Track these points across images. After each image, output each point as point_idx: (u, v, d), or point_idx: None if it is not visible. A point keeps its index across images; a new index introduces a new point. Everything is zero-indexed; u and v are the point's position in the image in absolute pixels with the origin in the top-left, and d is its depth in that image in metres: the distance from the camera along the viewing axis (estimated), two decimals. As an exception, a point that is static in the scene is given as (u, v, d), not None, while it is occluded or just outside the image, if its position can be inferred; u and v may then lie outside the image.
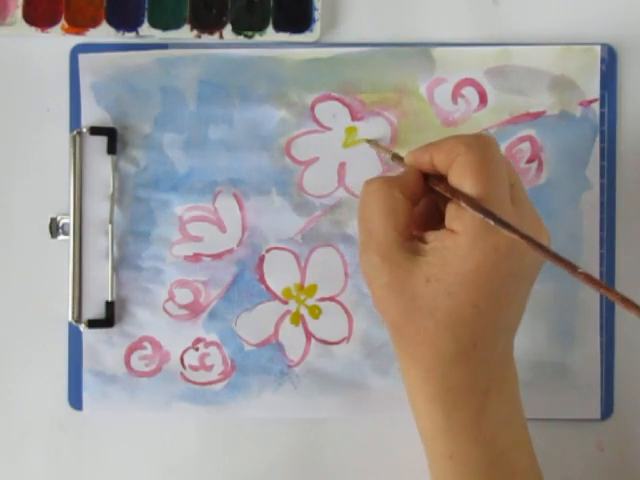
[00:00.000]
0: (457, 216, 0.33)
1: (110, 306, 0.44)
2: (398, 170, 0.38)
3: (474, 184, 0.33)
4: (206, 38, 0.44)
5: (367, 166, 0.44)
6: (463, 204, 0.33)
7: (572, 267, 0.29)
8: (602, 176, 0.44)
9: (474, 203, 0.32)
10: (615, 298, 0.28)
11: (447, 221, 0.34)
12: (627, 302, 0.28)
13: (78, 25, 0.44)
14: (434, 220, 0.36)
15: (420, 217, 0.37)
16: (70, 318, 0.44)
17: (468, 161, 0.33)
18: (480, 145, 0.34)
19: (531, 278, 0.35)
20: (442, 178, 0.35)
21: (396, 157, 0.38)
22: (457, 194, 0.33)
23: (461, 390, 0.34)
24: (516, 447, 0.36)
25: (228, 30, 0.44)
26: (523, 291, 0.35)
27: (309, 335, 0.44)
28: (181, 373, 0.44)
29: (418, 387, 0.35)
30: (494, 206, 0.32)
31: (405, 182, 0.35)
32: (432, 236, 0.34)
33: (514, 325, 0.36)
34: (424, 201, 0.37)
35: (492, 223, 0.32)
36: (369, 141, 0.44)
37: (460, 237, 0.33)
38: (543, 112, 0.44)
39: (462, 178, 0.33)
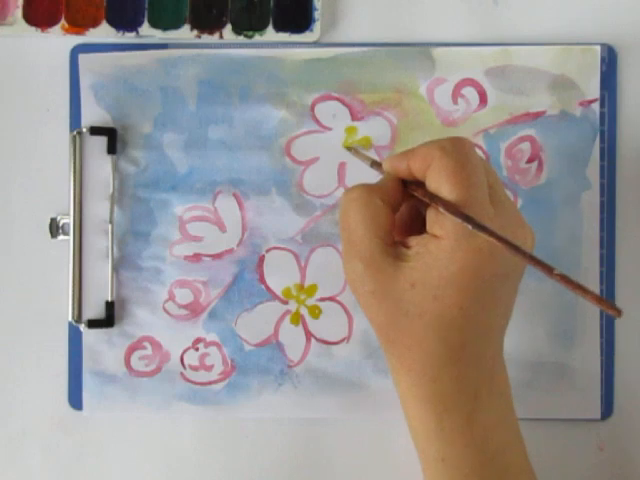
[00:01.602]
0: (437, 221, 0.33)
1: (110, 306, 0.44)
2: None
3: (451, 188, 0.33)
4: (206, 38, 0.44)
5: (367, 166, 0.44)
6: (442, 209, 0.33)
7: (548, 269, 0.30)
8: (602, 176, 0.44)
9: (452, 208, 0.32)
10: (590, 299, 0.28)
11: (428, 226, 0.34)
12: (603, 302, 0.28)
13: (78, 25, 0.44)
14: (416, 225, 0.36)
15: (402, 222, 0.37)
16: (70, 318, 0.44)
17: (444, 165, 0.33)
18: (455, 148, 0.34)
19: (516, 278, 0.35)
20: (421, 184, 0.35)
21: (375, 164, 0.38)
22: (435, 199, 0.33)
23: (452, 393, 0.34)
24: (508, 448, 0.36)
25: (228, 30, 0.44)
26: (509, 291, 0.35)
27: (309, 335, 0.44)
28: (181, 373, 0.44)
29: (409, 391, 0.35)
30: (473, 209, 0.32)
31: (384, 189, 0.35)
32: (414, 241, 0.34)
33: (502, 326, 0.36)
34: (405, 206, 0.37)
35: (470, 227, 0.32)
36: (348, 148, 0.44)
37: (442, 241, 0.33)
38: (543, 112, 0.44)
39: (439, 183, 0.33)
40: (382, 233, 0.34)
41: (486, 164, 0.35)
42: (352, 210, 0.35)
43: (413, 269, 0.33)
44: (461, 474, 0.35)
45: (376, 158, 0.44)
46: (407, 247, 0.34)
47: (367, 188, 0.35)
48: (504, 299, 0.35)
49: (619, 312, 0.28)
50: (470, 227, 0.32)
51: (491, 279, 0.33)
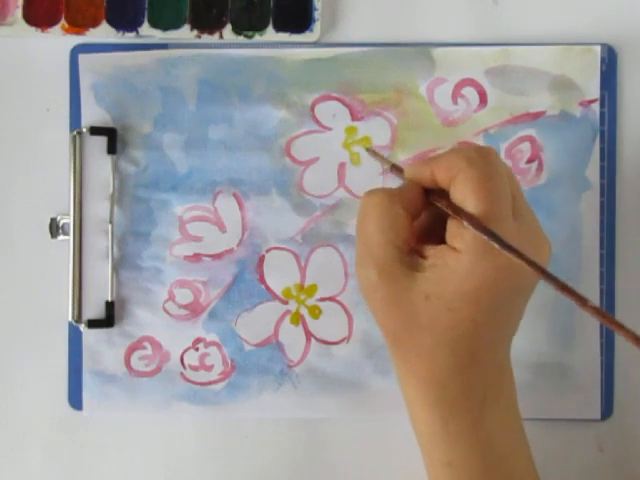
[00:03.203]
0: (459, 234, 0.33)
1: (110, 306, 0.44)
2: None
3: (477, 202, 0.32)
4: (206, 38, 0.44)
5: (367, 166, 0.44)
6: (466, 223, 0.32)
7: (582, 300, 0.29)
8: (602, 176, 0.44)
9: (477, 223, 0.32)
10: (628, 338, 0.27)
11: (448, 238, 0.33)
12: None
13: (78, 25, 0.44)
14: (434, 232, 0.35)
15: (420, 229, 0.36)
16: (70, 318, 0.44)
17: (470, 177, 0.32)
18: (482, 159, 0.33)
19: (529, 290, 0.35)
20: (443, 193, 0.34)
21: (395, 168, 0.37)
22: (460, 212, 0.32)
23: (459, 398, 0.34)
24: (514, 452, 0.36)
25: (228, 30, 0.44)
26: (521, 303, 0.35)
27: (309, 335, 0.44)
28: (181, 373, 0.44)
29: (415, 395, 0.35)
30: (497, 224, 0.32)
31: (406, 196, 0.35)
32: (432, 251, 0.34)
33: (511, 335, 0.36)
34: (425, 213, 0.36)
35: (497, 246, 0.31)
36: (367, 149, 0.43)
37: (462, 256, 0.32)
38: (543, 112, 0.44)
39: (464, 195, 0.32)
40: (400, 242, 0.34)
41: (510, 173, 0.34)
42: (371, 215, 0.34)
43: (428, 280, 0.33)
44: (467, 477, 0.35)
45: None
46: (423, 257, 0.34)
47: (389, 194, 0.34)
48: (516, 310, 0.35)
49: None
50: (497, 246, 0.31)
51: (507, 294, 0.33)
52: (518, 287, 0.34)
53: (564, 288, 0.30)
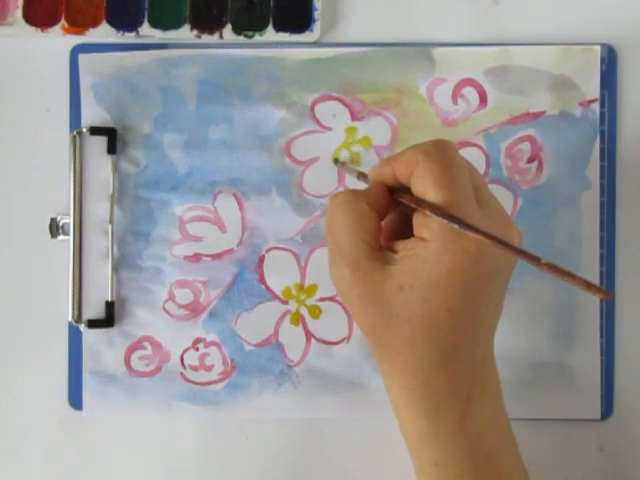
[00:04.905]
0: (425, 224, 0.33)
1: (110, 306, 0.44)
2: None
3: (437, 191, 0.33)
4: (206, 38, 0.45)
5: (366, 166, 0.44)
6: (428, 212, 0.33)
7: (535, 259, 0.30)
8: (602, 176, 0.44)
9: (438, 210, 0.32)
10: (579, 284, 0.28)
11: (416, 230, 0.34)
12: (591, 286, 0.28)
13: (78, 25, 0.44)
14: (404, 231, 0.36)
15: (389, 229, 0.37)
16: (70, 318, 0.44)
17: (428, 169, 0.33)
18: (438, 151, 0.34)
19: (504, 278, 0.35)
20: (407, 189, 0.35)
21: (361, 175, 0.38)
22: (421, 203, 0.33)
23: (443, 395, 0.34)
24: (502, 449, 0.36)
25: (228, 30, 0.44)
26: (497, 292, 0.35)
27: (309, 335, 0.44)
28: (181, 373, 0.45)
29: (400, 395, 0.35)
30: (459, 210, 0.32)
31: (371, 194, 0.36)
32: (402, 245, 0.34)
33: (491, 327, 0.36)
34: (393, 213, 0.37)
35: (457, 227, 0.32)
36: (335, 161, 0.44)
37: (430, 244, 0.33)
38: (543, 112, 0.44)
39: (424, 186, 0.33)
40: (368, 237, 0.34)
41: (470, 165, 0.35)
42: (338, 215, 0.35)
43: (401, 272, 0.33)
44: (454, 476, 0.35)
45: (376, 159, 0.44)
46: (394, 251, 0.34)
47: (353, 193, 0.35)
48: (493, 299, 0.35)
49: (607, 294, 0.28)
50: (457, 227, 0.32)
51: (479, 279, 0.33)
52: (491, 273, 0.34)
53: (519, 252, 0.30)
